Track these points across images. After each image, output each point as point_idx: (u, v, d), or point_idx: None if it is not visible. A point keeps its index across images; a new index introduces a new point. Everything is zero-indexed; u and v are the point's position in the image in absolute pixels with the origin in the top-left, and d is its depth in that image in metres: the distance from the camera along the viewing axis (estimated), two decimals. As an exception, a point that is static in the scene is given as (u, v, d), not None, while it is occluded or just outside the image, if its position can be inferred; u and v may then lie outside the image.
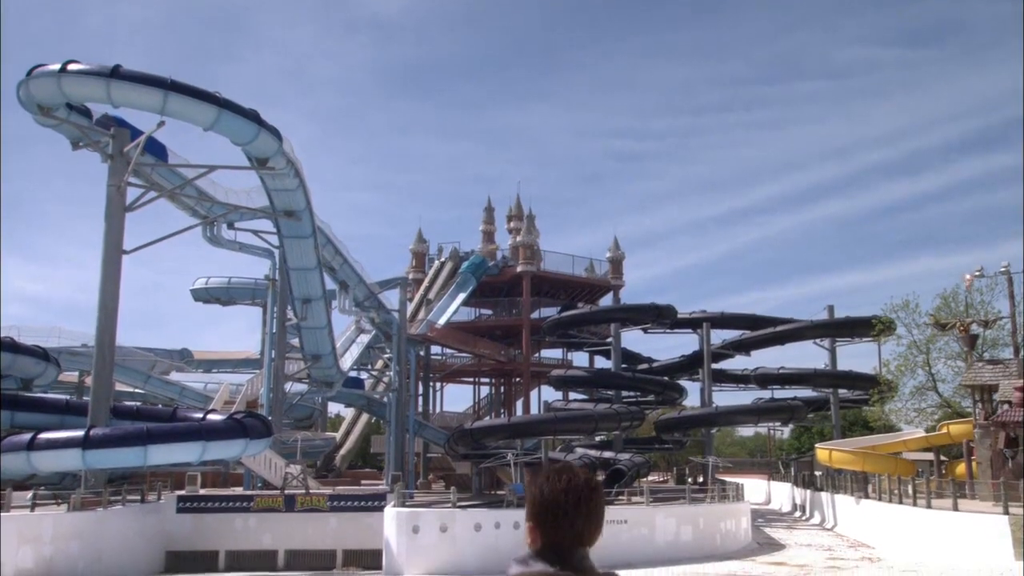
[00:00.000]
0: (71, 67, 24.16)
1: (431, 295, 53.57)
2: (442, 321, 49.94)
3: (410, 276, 56.66)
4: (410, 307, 50.58)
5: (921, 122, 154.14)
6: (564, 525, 1.58)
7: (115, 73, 24.16)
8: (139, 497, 27.15)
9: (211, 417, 27.22)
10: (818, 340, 48.43)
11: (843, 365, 49.34)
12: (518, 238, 56.98)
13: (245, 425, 25.97)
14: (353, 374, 48.23)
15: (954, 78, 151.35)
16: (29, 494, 23.29)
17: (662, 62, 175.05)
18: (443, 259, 56.37)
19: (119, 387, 40.19)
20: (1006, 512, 21.81)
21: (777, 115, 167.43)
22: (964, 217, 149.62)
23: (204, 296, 48.85)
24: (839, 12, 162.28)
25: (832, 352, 48.02)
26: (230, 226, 35.75)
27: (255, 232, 36.52)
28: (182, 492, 29.25)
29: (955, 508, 23.95)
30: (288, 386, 40.80)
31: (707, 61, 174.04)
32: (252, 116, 26.35)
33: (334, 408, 61.84)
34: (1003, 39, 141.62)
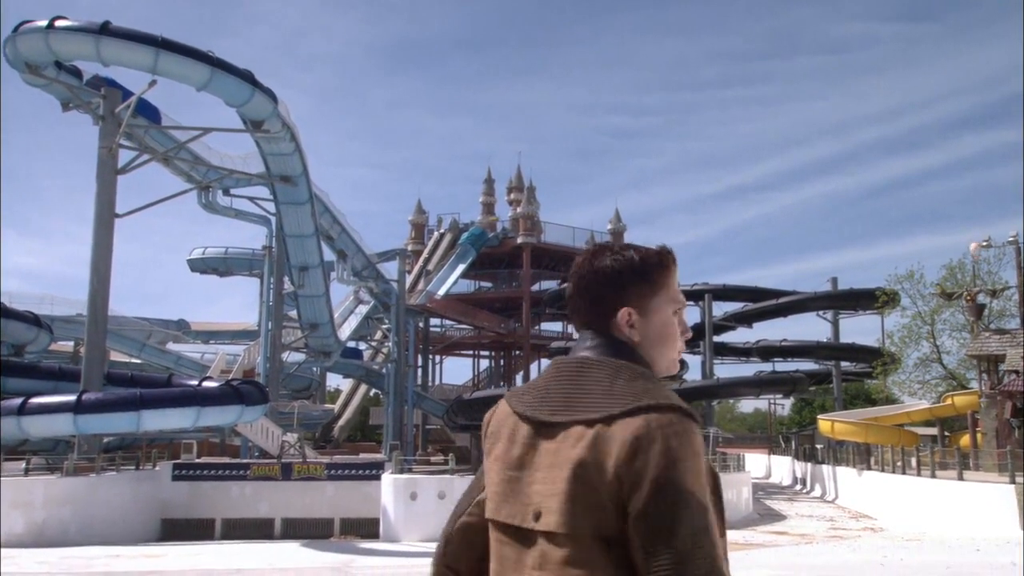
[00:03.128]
0: (59, 23, 23.51)
1: (430, 266, 53.12)
2: (441, 292, 49.53)
3: (409, 247, 56.12)
4: (409, 278, 50.12)
5: (920, 98, 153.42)
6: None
7: (104, 30, 23.53)
8: (134, 465, 26.96)
9: (206, 384, 26.84)
10: (821, 312, 48.06)
11: (845, 338, 49.04)
12: (518, 209, 56.41)
13: (241, 391, 25.57)
14: (352, 345, 47.89)
15: (953, 54, 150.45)
16: (23, 462, 23.06)
17: (659, 37, 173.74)
18: (443, 230, 55.83)
19: (114, 356, 39.85)
20: (1012, 481, 21.50)
21: (775, 91, 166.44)
22: (964, 194, 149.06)
23: (201, 266, 48.31)
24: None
25: (835, 324, 47.66)
26: (226, 192, 35.23)
27: (251, 199, 36.04)
28: (177, 460, 29.01)
29: (960, 478, 23.65)
30: (286, 356, 40.47)
31: (704, 36, 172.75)
32: (246, 76, 25.73)
33: (333, 381, 61.65)
34: (1003, 14, 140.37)
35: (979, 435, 28.84)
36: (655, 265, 1.49)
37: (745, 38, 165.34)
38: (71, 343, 40.16)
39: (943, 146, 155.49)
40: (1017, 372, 25.61)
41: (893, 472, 28.24)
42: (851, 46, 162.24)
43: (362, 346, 52.73)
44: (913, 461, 27.51)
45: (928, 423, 36.67)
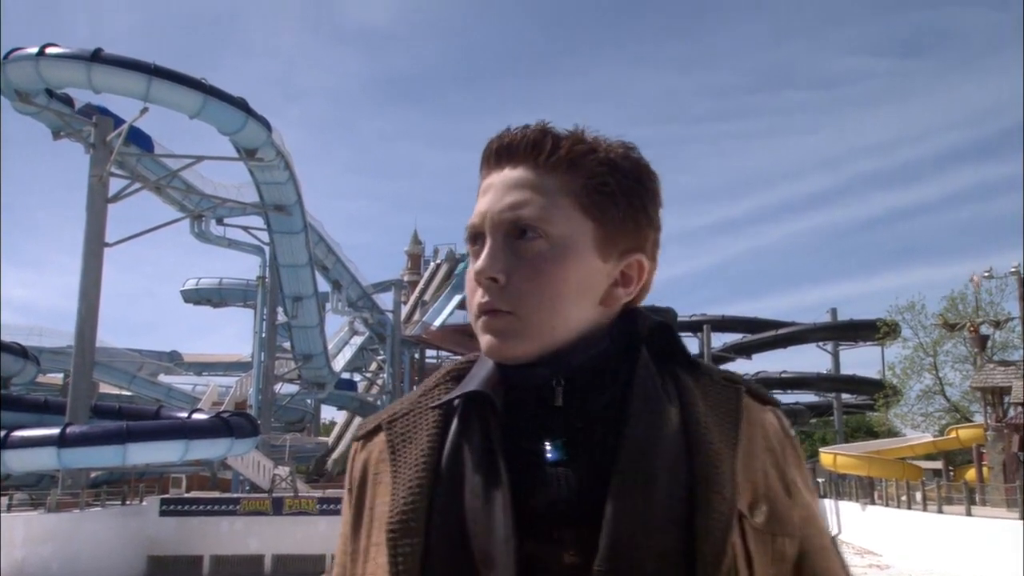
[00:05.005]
0: (50, 50, 23.29)
1: (426, 297, 52.72)
2: (437, 323, 49.05)
3: (405, 278, 55.78)
4: (405, 309, 49.70)
5: (914, 132, 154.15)
6: None
7: (96, 57, 23.31)
8: (120, 500, 26.34)
9: (195, 416, 26.30)
10: (821, 343, 47.60)
11: (846, 370, 48.51)
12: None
13: (230, 424, 25.07)
14: (346, 376, 47.36)
15: (946, 88, 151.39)
16: (4, 498, 22.46)
17: (650, 71, 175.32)
18: (439, 261, 55.53)
19: (104, 388, 39.26)
20: (1022, 517, 20.93)
21: (767, 125, 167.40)
22: (961, 227, 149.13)
23: (195, 297, 47.84)
24: (828, 22, 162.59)
25: (835, 356, 47.18)
26: (219, 222, 34.89)
27: (245, 228, 35.69)
28: (166, 495, 28.44)
29: (968, 514, 23.05)
30: (279, 387, 39.92)
31: (696, 70, 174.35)
32: (240, 104, 25.53)
33: (327, 413, 60.93)
34: (995, 49, 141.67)
35: (985, 469, 28.25)
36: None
37: (736, 72, 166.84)
38: (61, 375, 39.54)
39: (938, 179, 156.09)
40: (1023, 405, 25.11)
41: (898, 507, 27.62)
42: (843, 80, 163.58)
43: (357, 377, 52.20)
44: (918, 496, 26.90)
45: (931, 456, 36.06)
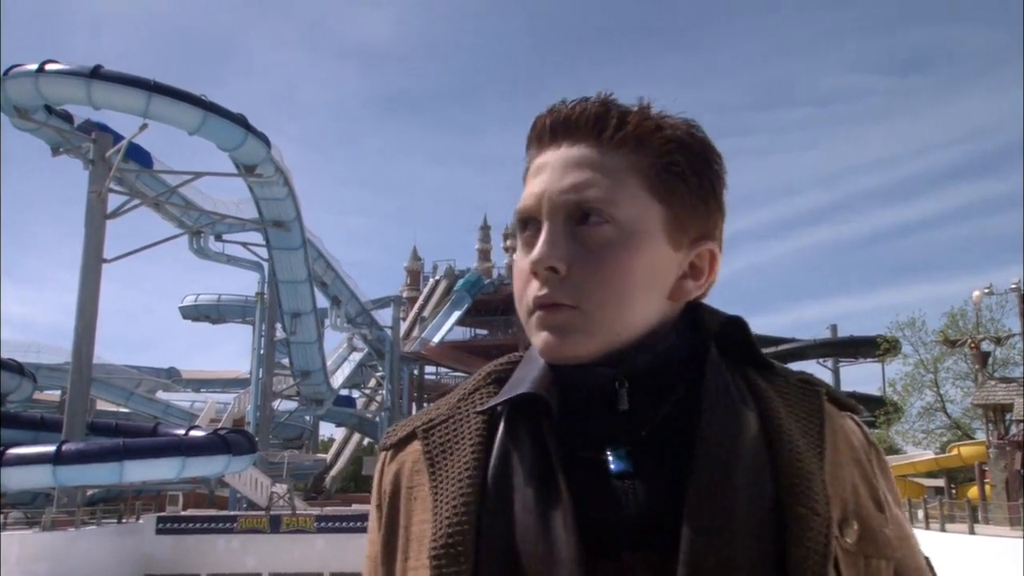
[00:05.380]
0: (49, 67, 23.32)
1: (425, 313, 52.66)
2: (436, 339, 48.98)
3: (404, 294, 55.73)
4: (404, 325, 49.60)
5: (912, 149, 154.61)
6: None
7: (96, 73, 23.32)
8: (116, 518, 26.13)
9: (192, 433, 26.13)
10: (821, 360, 47.48)
11: (846, 386, 48.33)
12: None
13: (228, 441, 24.91)
14: (344, 393, 47.19)
15: (944, 106, 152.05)
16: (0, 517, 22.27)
17: (648, 88, 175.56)
18: (438, 277, 55.50)
19: (101, 405, 39.10)
20: (1026, 536, 20.78)
21: (766, 142, 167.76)
22: (960, 243, 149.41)
23: (193, 313, 47.73)
24: (826, 40, 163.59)
25: (835, 372, 47.08)
26: (218, 238, 34.85)
27: (244, 244, 35.64)
28: (162, 513, 28.23)
29: (971, 532, 22.87)
30: (277, 404, 39.75)
31: (694, 87, 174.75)
32: (239, 120, 25.56)
33: (326, 430, 60.71)
34: (992, 67, 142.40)
35: (988, 487, 28.07)
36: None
37: (735, 89, 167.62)
38: (58, 392, 39.37)
39: (937, 196, 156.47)
40: (1026, 422, 24.99)
41: (900, 525, 27.43)
42: (841, 97, 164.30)
43: (355, 394, 52.02)
44: (920, 513, 26.71)
45: (933, 474, 35.86)
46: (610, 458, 0.80)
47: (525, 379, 0.86)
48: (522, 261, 0.86)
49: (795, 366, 0.97)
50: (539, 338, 0.83)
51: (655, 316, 0.85)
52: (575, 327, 0.81)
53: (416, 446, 0.89)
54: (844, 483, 0.82)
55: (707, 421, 0.78)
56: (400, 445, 0.92)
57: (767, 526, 0.74)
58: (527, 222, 0.86)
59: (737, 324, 0.89)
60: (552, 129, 0.87)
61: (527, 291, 0.84)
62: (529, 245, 0.85)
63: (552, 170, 0.85)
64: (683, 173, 0.86)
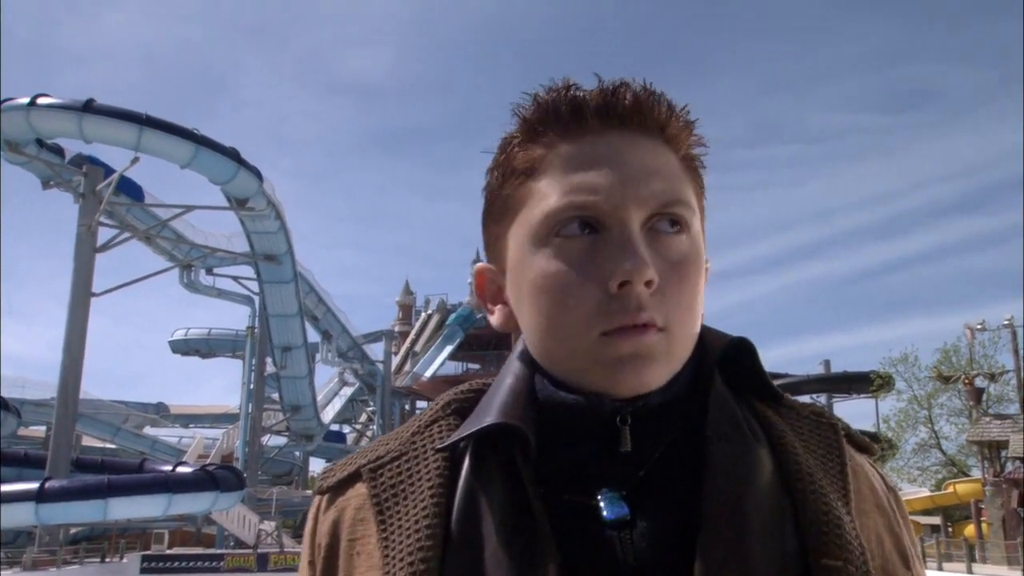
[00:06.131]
0: (41, 100, 23.28)
1: (417, 347, 52.39)
2: (428, 374, 48.67)
3: (396, 328, 55.48)
4: (396, 359, 49.32)
5: (900, 186, 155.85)
6: None
7: (88, 107, 23.29)
8: (100, 557, 25.64)
9: (179, 469, 25.71)
10: (814, 396, 47.24)
11: (840, 422, 48.10)
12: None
13: (215, 477, 24.46)
14: (335, 428, 46.77)
15: (931, 144, 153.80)
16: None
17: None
18: (430, 311, 55.28)
19: (88, 441, 38.60)
20: (1024, 575, 20.52)
21: (756, 178, 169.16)
22: (950, 279, 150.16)
23: (183, 348, 47.34)
24: (815, 78, 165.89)
25: (830, 408, 46.83)
26: (208, 272, 34.67)
27: (235, 278, 35.49)
28: (147, 552, 27.69)
29: (969, 571, 22.58)
30: (266, 439, 39.30)
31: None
32: (231, 154, 25.52)
33: (316, 466, 60.08)
34: (978, 106, 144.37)
35: (984, 525, 27.79)
36: None
37: (725, 126, 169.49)
38: (43, 428, 38.85)
39: (927, 232, 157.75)
40: (1021, 459, 24.80)
41: (897, 564, 27.11)
42: (830, 135, 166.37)
43: (346, 429, 51.60)
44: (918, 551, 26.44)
45: (929, 512, 35.57)
46: (602, 503, 0.66)
47: (493, 407, 0.71)
48: (573, 266, 0.68)
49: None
50: (616, 365, 0.66)
51: None
52: (661, 352, 0.67)
53: (360, 489, 0.73)
54: (869, 533, 0.69)
55: (715, 459, 0.66)
56: (340, 488, 0.75)
57: None
58: (587, 223, 0.68)
59: (743, 348, 0.74)
60: (600, 112, 0.70)
61: (585, 303, 0.66)
62: (579, 250, 0.68)
63: (622, 164, 0.68)
64: (702, 172, 0.75)
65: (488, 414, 0.70)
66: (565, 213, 0.68)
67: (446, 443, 0.72)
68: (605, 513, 0.65)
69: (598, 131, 0.70)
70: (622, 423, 0.69)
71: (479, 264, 0.81)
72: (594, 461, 0.69)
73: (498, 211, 0.76)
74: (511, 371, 0.76)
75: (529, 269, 0.71)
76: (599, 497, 0.66)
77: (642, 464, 0.68)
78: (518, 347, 0.79)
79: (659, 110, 0.71)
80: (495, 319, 0.79)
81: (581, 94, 0.71)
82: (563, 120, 0.71)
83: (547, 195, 0.70)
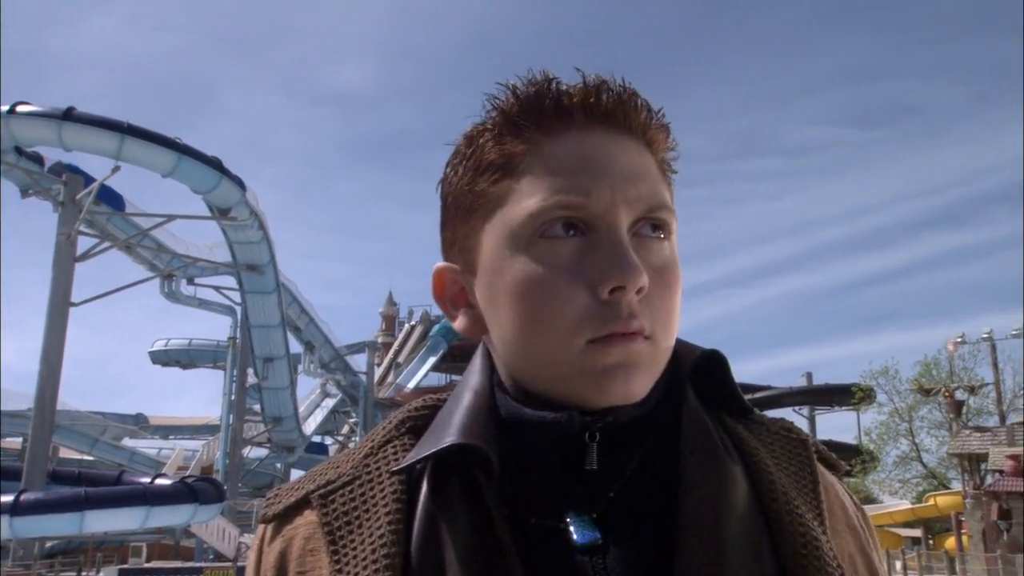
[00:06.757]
0: (20, 108, 22.99)
1: (400, 359, 52.18)
2: (411, 385, 48.41)
3: (379, 339, 55.30)
4: (378, 371, 49.10)
5: (878, 200, 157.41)
6: None
7: (68, 115, 23.04)
8: (75, 571, 25.30)
9: (158, 481, 25.45)
10: (797, 408, 47.47)
11: (822, 435, 48.30)
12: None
13: (194, 489, 24.22)
14: (317, 440, 46.48)
15: (910, 158, 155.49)
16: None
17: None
18: (413, 322, 55.10)
19: (65, 453, 38.15)
20: (1005, 588, 20.62)
21: (737, 190, 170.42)
22: (928, 293, 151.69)
23: (163, 358, 46.92)
24: (794, 92, 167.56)
25: (811, 421, 47.04)
26: (190, 281, 34.42)
27: (216, 288, 35.23)
28: (124, 565, 27.35)
29: (950, 583, 22.69)
30: (247, 451, 38.97)
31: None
32: (214, 163, 25.34)
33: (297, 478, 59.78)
34: (955, 123, 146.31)
35: (965, 537, 27.92)
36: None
37: (706, 138, 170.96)
38: (19, 439, 38.37)
39: (905, 246, 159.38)
40: (1002, 471, 24.94)
41: (878, 577, 27.17)
42: (809, 149, 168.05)
43: (328, 441, 51.24)
44: (898, 565, 26.50)
45: (910, 524, 35.72)
46: (572, 526, 0.63)
47: (451, 426, 0.66)
48: (560, 269, 0.64)
49: (772, 414, 0.79)
50: (604, 374, 0.63)
51: None
52: (647, 362, 0.64)
53: (310, 517, 0.68)
54: (842, 554, 0.67)
55: (690, 478, 0.64)
56: (287, 516, 0.70)
57: None
58: (571, 224, 0.64)
59: (715, 360, 0.71)
60: (586, 109, 0.66)
61: (573, 308, 0.63)
62: (564, 252, 0.64)
63: (610, 164, 0.64)
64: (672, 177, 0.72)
65: (447, 433, 0.65)
66: (552, 214, 0.64)
67: (402, 465, 0.67)
68: (575, 537, 0.62)
69: (583, 129, 0.66)
70: (590, 439, 0.65)
71: (439, 264, 0.75)
72: (562, 481, 0.65)
73: (467, 208, 0.71)
74: (469, 386, 0.71)
75: (508, 271, 0.66)
76: (568, 520, 0.63)
77: (612, 484, 0.65)
78: (477, 359, 0.74)
79: (640, 111, 0.67)
80: (460, 324, 0.73)
81: (566, 88, 0.67)
82: (546, 115, 0.66)
83: (530, 194, 0.65)
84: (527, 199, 0.65)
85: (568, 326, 0.62)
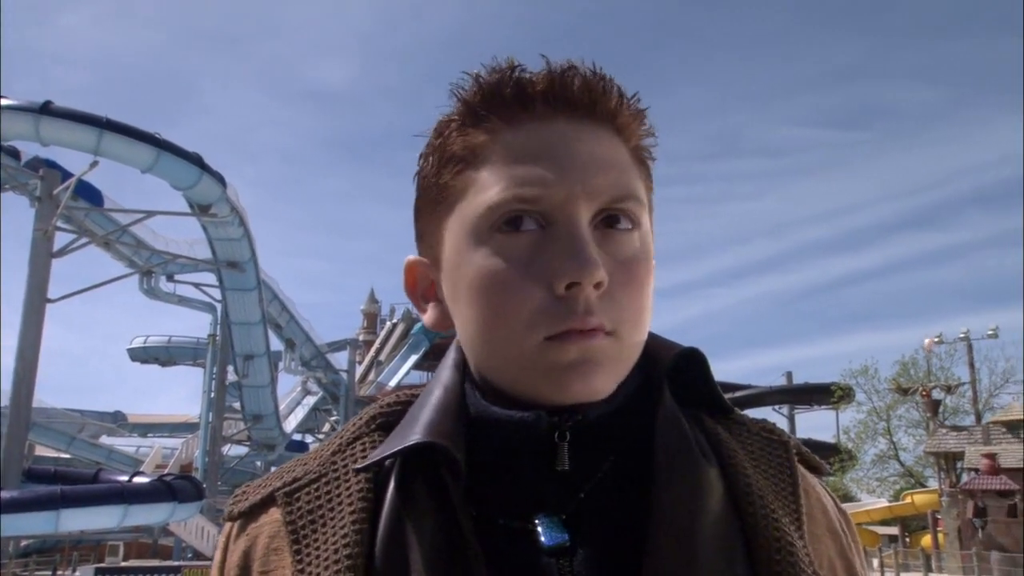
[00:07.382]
0: (-3, 101, 22.73)
1: (382, 357, 52.05)
2: (393, 383, 48.29)
3: (361, 337, 55.13)
4: (360, 368, 48.95)
5: (854, 201, 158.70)
6: None
7: (45, 109, 22.78)
8: (51, 570, 25.04)
9: (136, 479, 25.22)
10: (776, 407, 47.76)
11: (801, 433, 48.65)
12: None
13: (173, 487, 24.02)
14: (297, 438, 46.25)
15: (885, 160, 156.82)
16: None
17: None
18: (395, 320, 54.96)
19: (41, 451, 37.73)
20: (979, 585, 20.86)
21: (717, 190, 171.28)
22: (905, 294, 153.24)
23: (142, 356, 46.51)
24: (773, 93, 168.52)
25: (791, 420, 47.34)
26: (169, 278, 34.14)
27: (196, 285, 34.95)
28: (101, 564, 27.09)
29: (926, 581, 22.93)
30: (227, 449, 38.74)
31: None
32: (194, 159, 25.13)
33: (277, 475, 59.54)
34: (931, 126, 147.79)
35: (941, 535, 28.22)
36: None
37: (685, 138, 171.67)
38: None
39: (882, 247, 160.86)
40: (978, 470, 25.23)
41: (856, 574, 27.41)
42: (788, 149, 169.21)
43: (309, 439, 51.01)
44: (875, 562, 26.74)
45: (887, 522, 36.04)
46: (540, 528, 0.62)
47: (419, 423, 0.65)
48: (516, 264, 0.62)
49: (752, 414, 0.78)
50: (562, 371, 0.61)
51: None
52: (609, 358, 0.63)
53: (275, 515, 0.67)
54: (822, 558, 0.66)
55: (663, 480, 0.62)
56: (252, 514, 0.68)
57: None
58: (519, 218, 0.63)
59: (694, 358, 0.69)
60: (547, 97, 0.64)
61: (528, 304, 0.61)
62: (516, 248, 0.63)
63: (571, 154, 0.63)
64: (651, 164, 0.71)
65: (413, 431, 0.64)
66: (509, 206, 0.63)
67: (367, 463, 0.65)
68: (543, 539, 0.61)
69: (545, 117, 0.64)
70: (560, 439, 0.63)
71: (410, 257, 0.73)
72: (531, 481, 0.64)
73: (432, 200, 0.69)
74: (440, 382, 0.70)
75: (467, 266, 0.65)
76: (536, 521, 0.62)
77: (583, 485, 0.64)
78: (451, 354, 0.73)
79: (610, 97, 0.65)
80: (428, 318, 0.73)
81: (527, 76, 0.65)
82: (507, 104, 0.65)
83: (489, 186, 0.64)
84: (485, 191, 0.64)
85: (525, 322, 0.61)
